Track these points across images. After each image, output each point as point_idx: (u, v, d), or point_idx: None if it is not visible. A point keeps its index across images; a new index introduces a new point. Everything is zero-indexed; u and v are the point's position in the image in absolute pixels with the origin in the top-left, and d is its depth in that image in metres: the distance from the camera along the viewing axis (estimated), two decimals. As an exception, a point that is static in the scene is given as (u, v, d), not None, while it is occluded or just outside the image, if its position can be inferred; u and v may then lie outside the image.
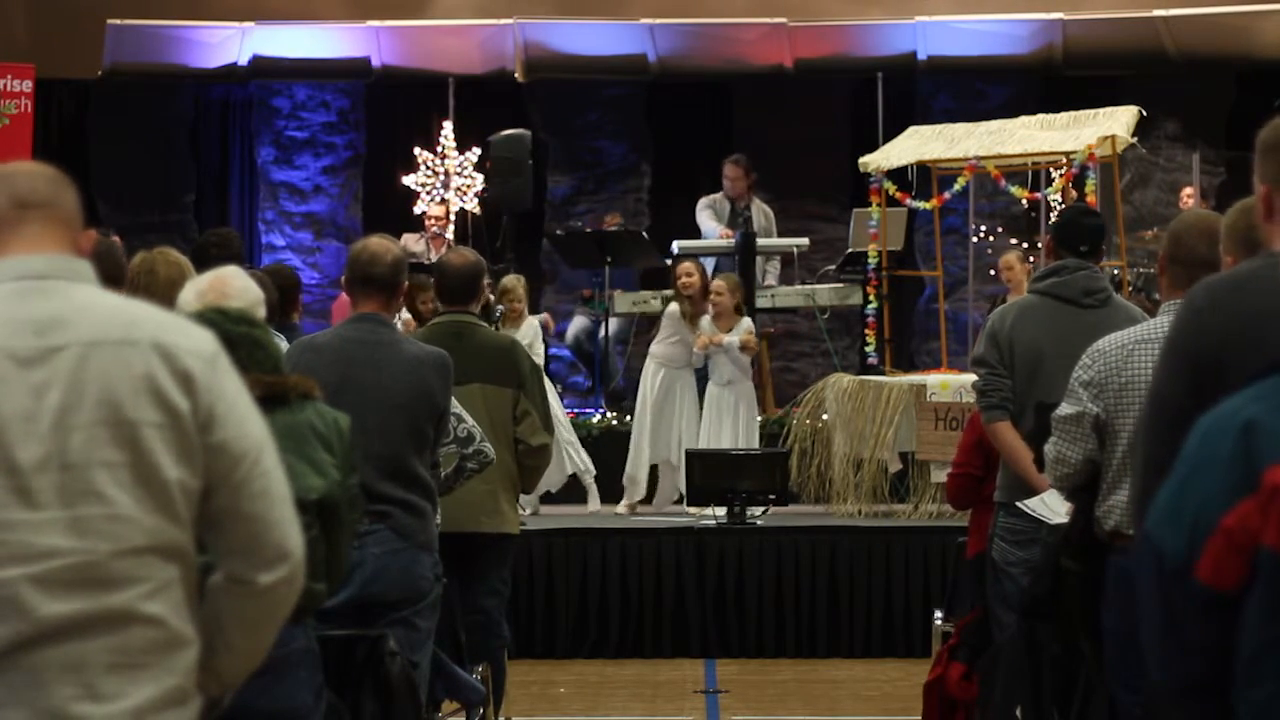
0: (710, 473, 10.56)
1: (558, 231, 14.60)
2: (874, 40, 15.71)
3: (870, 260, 12.30)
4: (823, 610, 10.16)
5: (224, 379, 2.79)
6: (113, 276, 4.50)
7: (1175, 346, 3.20)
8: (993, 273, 14.30)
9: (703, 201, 13.27)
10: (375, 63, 15.73)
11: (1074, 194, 11.45)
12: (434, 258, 12.33)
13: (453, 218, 14.51)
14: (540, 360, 11.06)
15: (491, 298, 10.44)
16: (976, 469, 6.43)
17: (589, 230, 13.93)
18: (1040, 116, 12.12)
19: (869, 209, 12.37)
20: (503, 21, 15.67)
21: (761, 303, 12.45)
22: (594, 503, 11.25)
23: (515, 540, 7.02)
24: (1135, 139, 12.07)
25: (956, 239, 14.88)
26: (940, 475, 10.39)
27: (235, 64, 15.71)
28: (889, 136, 13.35)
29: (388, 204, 15.51)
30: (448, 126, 15.02)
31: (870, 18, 15.78)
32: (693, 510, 10.81)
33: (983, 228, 14.64)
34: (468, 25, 15.83)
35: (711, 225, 13.04)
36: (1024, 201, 13.80)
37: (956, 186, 12.16)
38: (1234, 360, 2.90)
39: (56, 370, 2.69)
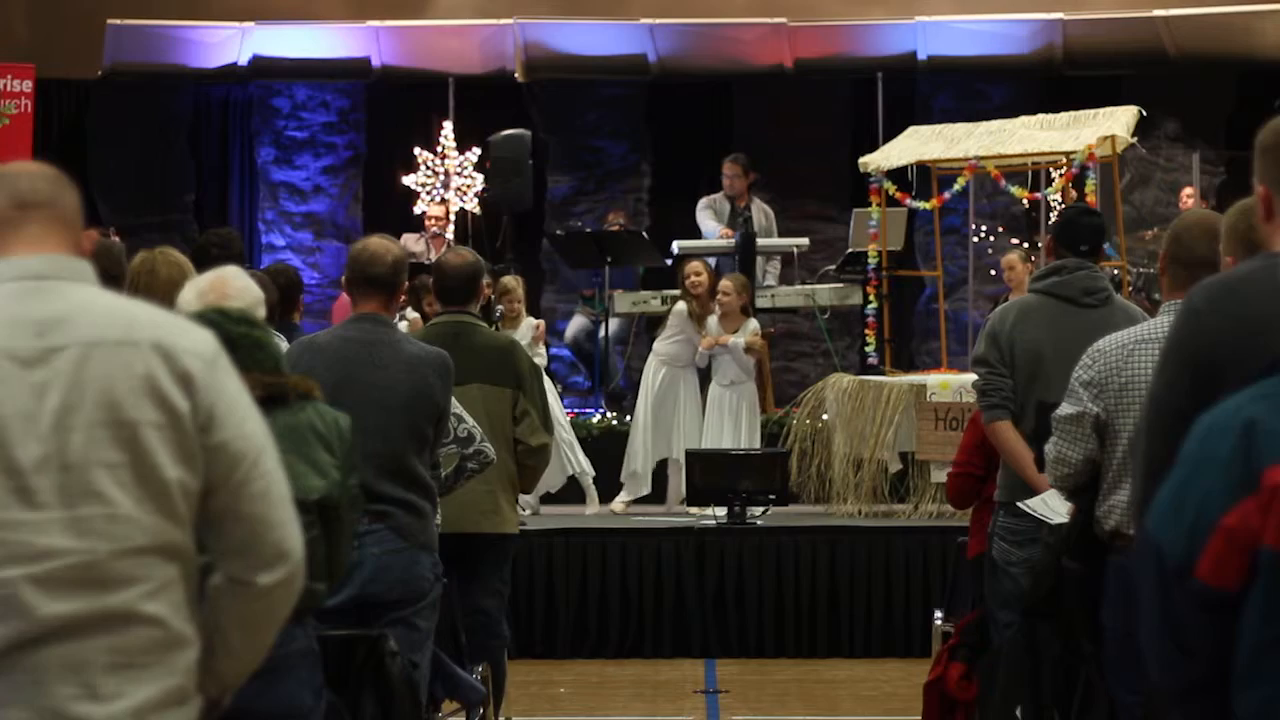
0: (710, 473, 10.56)
1: (558, 231, 14.59)
2: (874, 40, 15.71)
3: (870, 260, 12.30)
4: (823, 610, 10.16)
5: (224, 379, 2.79)
6: (112, 276, 4.50)
7: (1175, 347, 3.20)
8: (993, 273, 14.30)
9: (703, 201, 13.27)
10: (375, 63, 15.73)
11: (1074, 194, 11.46)
12: (434, 258, 12.32)
13: (453, 218, 14.51)
14: (543, 360, 11.08)
15: (492, 296, 10.45)
16: (977, 469, 6.43)
17: (589, 230, 13.93)
18: (1040, 116, 12.12)
19: (869, 209, 12.38)
20: (503, 21, 15.67)
21: (761, 303, 12.44)
22: (592, 505, 11.25)
23: (515, 540, 7.02)
24: (1135, 139, 12.07)
25: (956, 239, 14.88)
26: (940, 475, 10.39)
27: (235, 64, 15.71)
28: (889, 136, 13.36)
29: (388, 204, 15.51)
30: (448, 126, 15.02)
31: (870, 18, 15.78)
32: (693, 510, 10.81)
33: (983, 228, 14.63)
34: (468, 25, 15.83)
35: (711, 225, 13.04)
36: (1024, 201, 13.80)
37: (956, 186, 12.16)
38: (1233, 361, 2.90)
39: (57, 370, 2.69)
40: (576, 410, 12.58)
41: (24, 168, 2.86)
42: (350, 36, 15.74)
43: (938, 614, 7.63)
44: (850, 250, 13.01)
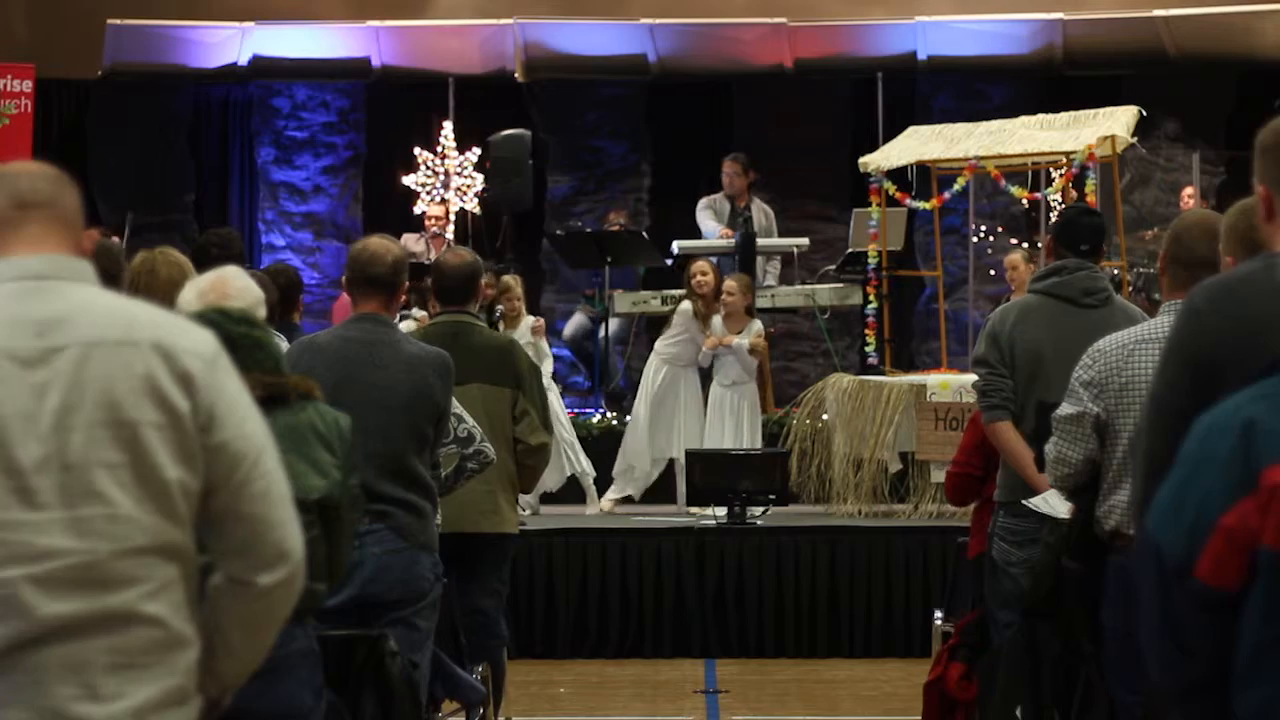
0: (710, 473, 10.56)
1: (558, 231, 14.60)
2: (874, 40, 15.71)
3: (870, 260, 12.30)
4: (823, 610, 10.16)
5: (224, 379, 2.79)
6: (112, 276, 4.50)
7: (1175, 348, 3.20)
8: (993, 273, 14.30)
9: (703, 202, 13.28)
10: (375, 63, 15.73)
11: (1074, 194, 11.45)
12: (434, 258, 12.33)
13: (453, 218, 14.51)
14: (548, 358, 11.09)
15: (494, 294, 10.44)
16: (976, 469, 6.43)
17: (589, 230, 13.93)
18: (1040, 116, 12.12)
19: (869, 209, 12.38)
20: (503, 21, 15.67)
21: (761, 303, 12.44)
22: (593, 505, 11.26)
23: (514, 540, 7.02)
24: (1135, 139, 12.07)
25: (956, 239, 14.88)
26: (940, 475, 10.39)
27: (235, 64, 15.71)
28: (889, 136, 13.36)
29: (388, 204, 15.51)
30: (448, 126, 15.02)
31: (870, 18, 15.78)
32: (693, 510, 10.82)
33: (983, 228, 14.63)
34: (468, 25, 15.83)
35: (712, 225, 13.05)
36: (1024, 201, 13.80)
37: (956, 186, 12.16)
38: (1233, 361, 2.90)
39: (57, 370, 2.69)
40: (576, 410, 12.58)
41: (24, 167, 2.86)
42: (350, 36, 15.75)
43: (938, 614, 7.63)
44: (850, 250, 13.01)
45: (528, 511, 10.54)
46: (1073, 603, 4.88)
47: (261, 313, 4.44)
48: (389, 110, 16.06)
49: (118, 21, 15.41)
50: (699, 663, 9.95)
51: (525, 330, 10.78)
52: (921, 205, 12.36)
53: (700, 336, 11.13)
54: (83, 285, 2.78)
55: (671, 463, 11.32)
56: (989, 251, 14.54)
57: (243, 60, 15.67)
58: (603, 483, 11.31)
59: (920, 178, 12.39)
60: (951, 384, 10.84)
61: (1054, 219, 9.84)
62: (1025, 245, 13.07)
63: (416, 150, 14.85)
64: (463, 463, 6.14)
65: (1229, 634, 2.38)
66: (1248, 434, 2.40)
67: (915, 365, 13.93)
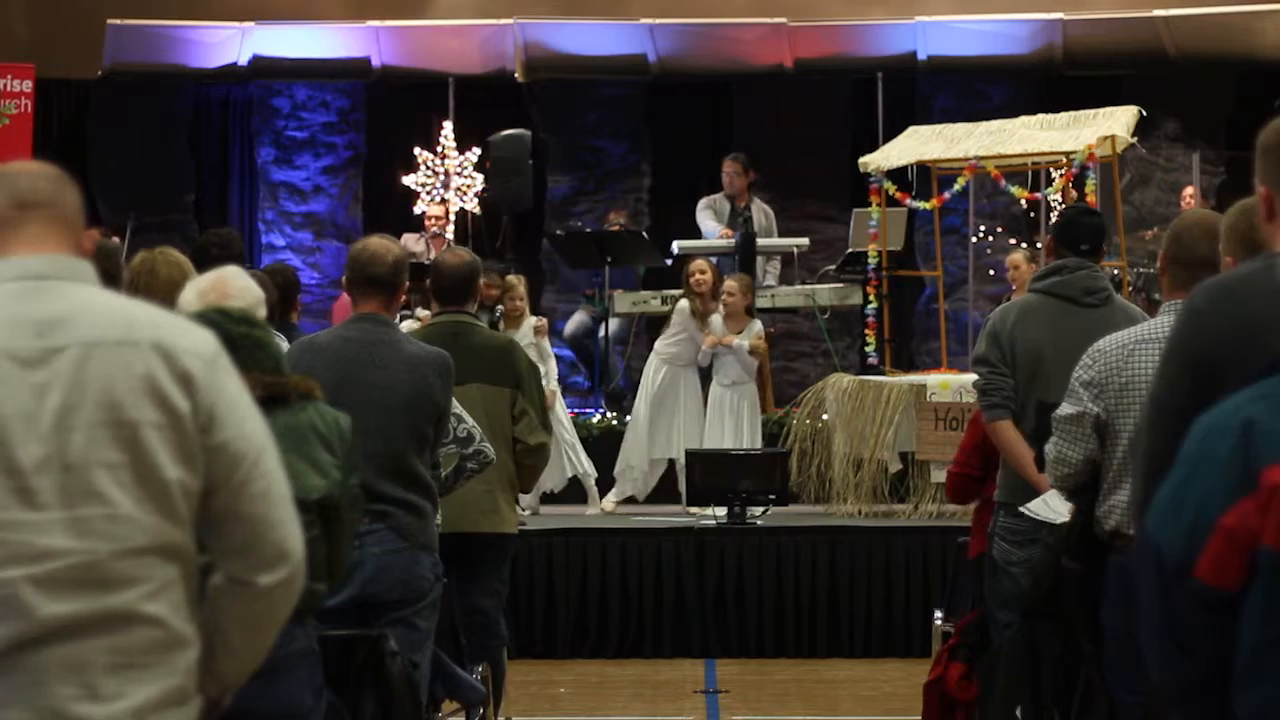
0: (710, 473, 10.56)
1: (558, 231, 14.59)
2: (874, 40, 15.71)
3: (870, 260, 12.30)
4: (823, 610, 10.16)
5: (224, 379, 2.79)
6: (111, 276, 4.50)
7: (1175, 348, 3.20)
8: (993, 273, 14.30)
9: (703, 202, 13.28)
10: (375, 63, 15.73)
11: (1074, 194, 11.45)
12: (433, 258, 12.32)
13: (453, 218, 14.51)
14: (551, 359, 11.09)
15: (498, 294, 10.43)
16: (975, 469, 6.43)
17: (589, 230, 13.93)
18: (1040, 116, 12.12)
19: (869, 209, 12.37)
20: (503, 21, 15.67)
21: (761, 303, 12.45)
22: (594, 505, 11.26)
23: (514, 540, 7.02)
24: (1135, 139, 12.07)
25: (956, 239, 14.88)
26: (940, 475, 10.40)
27: (235, 64, 15.71)
28: (889, 136, 13.36)
29: (388, 204, 15.51)
30: (448, 126, 15.02)
31: (870, 18, 15.77)
32: (693, 510, 10.81)
33: (983, 228, 14.63)
34: (468, 25, 15.83)
35: (712, 225, 13.05)
36: (1024, 201, 13.80)
37: (956, 186, 12.16)
38: (1234, 361, 2.90)
39: (57, 371, 2.69)
40: (576, 410, 12.58)
41: (25, 167, 2.86)
42: (350, 36, 15.74)
43: (938, 614, 7.63)
44: (850, 250, 13.00)
45: (527, 512, 10.54)
46: (1073, 603, 4.88)
47: (262, 313, 4.44)
48: (389, 110, 16.06)
49: (118, 21, 15.41)
50: (699, 663, 9.95)
51: (528, 330, 10.78)
52: (921, 205, 12.36)
53: (699, 335, 11.13)
54: (83, 285, 2.78)
55: (671, 463, 11.32)
56: (989, 251, 14.54)
57: (243, 60, 15.67)
58: (602, 483, 11.31)
59: (920, 178, 12.39)
60: (951, 384, 10.84)
61: (1054, 219, 9.83)
62: (1026, 245, 13.07)
63: (416, 150, 14.84)
64: (462, 463, 6.14)
65: (1229, 634, 2.38)
66: (1247, 434, 2.40)
67: (915, 365, 13.93)
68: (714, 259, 12.30)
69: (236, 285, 4.39)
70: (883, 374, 11.63)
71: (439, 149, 14.86)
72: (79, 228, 2.84)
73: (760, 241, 12.73)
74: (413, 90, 15.93)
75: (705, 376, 11.35)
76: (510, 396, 6.71)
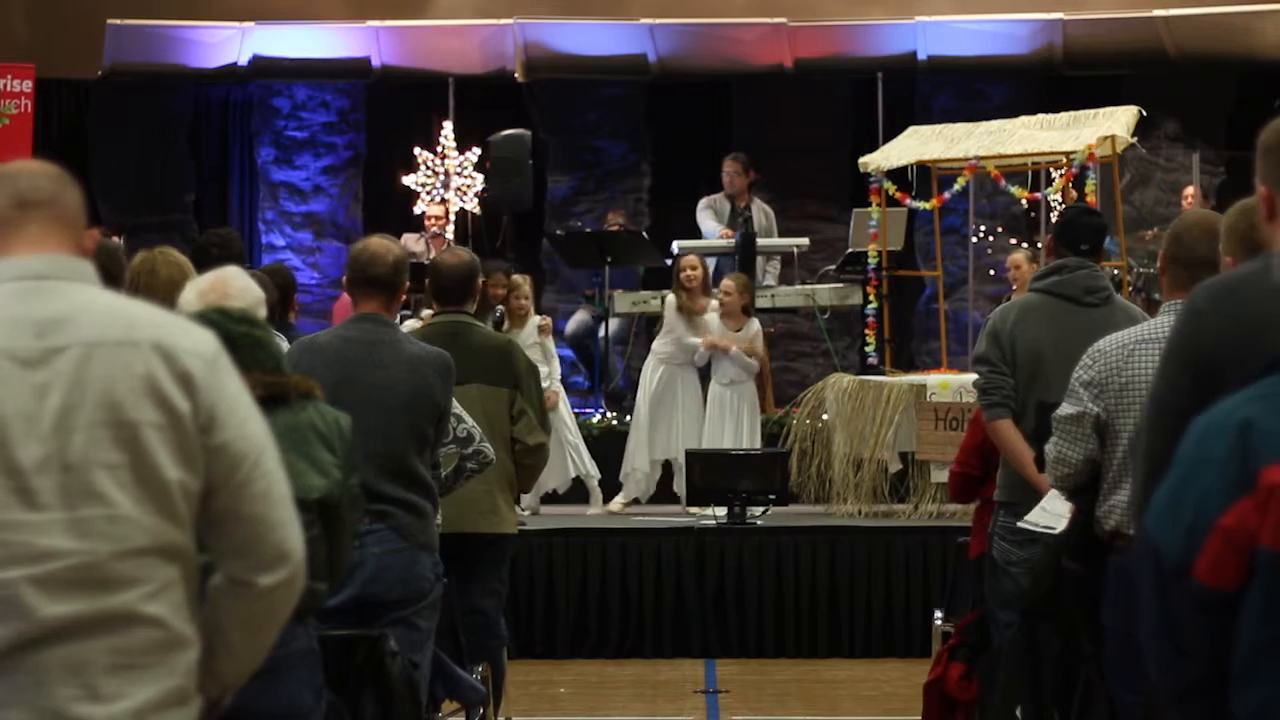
0: (710, 473, 10.56)
1: (558, 231, 14.59)
2: (874, 40, 15.71)
3: (870, 260, 12.30)
4: (823, 610, 10.16)
5: (225, 380, 2.79)
6: (113, 276, 4.50)
7: (1176, 348, 3.20)
8: (993, 273, 14.30)
9: (703, 202, 13.27)
10: (375, 63, 15.73)
11: (1074, 194, 11.45)
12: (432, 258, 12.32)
13: (453, 218, 14.51)
14: (555, 358, 11.09)
15: (503, 293, 10.42)
16: (974, 470, 6.43)
17: (589, 230, 13.92)
18: (1040, 116, 12.12)
19: (869, 209, 12.38)
20: (503, 21, 15.67)
21: (761, 303, 12.45)
22: (596, 505, 11.25)
23: (513, 540, 7.02)
24: (1135, 139, 12.07)
25: (956, 239, 14.88)
26: (940, 475, 10.41)
27: (235, 64, 15.70)
28: (889, 136, 13.35)
29: (388, 204, 15.51)
30: (448, 126, 15.01)
31: (870, 18, 15.77)
32: (693, 510, 10.81)
33: (983, 228, 14.63)
34: (468, 25, 15.83)
35: (712, 225, 13.04)
36: (1024, 201, 13.80)
37: (956, 186, 12.16)
38: (1234, 361, 2.91)
39: (57, 371, 2.69)
40: (577, 410, 12.57)
41: (26, 166, 2.86)
42: (350, 36, 15.74)
43: (938, 614, 7.63)
44: (850, 250, 13.00)
45: (528, 512, 10.54)
46: (1073, 603, 4.88)
47: (262, 312, 4.44)
48: (389, 110, 16.06)
49: (118, 21, 15.41)
50: (699, 663, 9.95)
51: (533, 330, 10.77)
52: (921, 205, 12.36)
53: (686, 333, 11.11)
54: (83, 285, 2.78)
55: (670, 463, 11.31)
56: (989, 251, 14.54)
57: (243, 60, 15.67)
58: (604, 483, 11.30)
59: (920, 178, 12.39)
60: (951, 384, 10.84)
61: (1054, 219, 9.84)
62: (1027, 245, 13.07)
63: (416, 150, 14.84)
64: (462, 463, 6.14)
65: (1227, 634, 2.38)
66: (1245, 434, 2.40)
67: (915, 365, 13.93)
68: (713, 259, 12.32)
69: (237, 285, 4.39)
70: (883, 374, 11.63)
71: (439, 149, 14.85)
72: (80, 227, 2.84)
73: (760, 241, 12.73)
74: (413, 90, 15.93)
75: (705, 376, 11.35)
76: (509, 396, 6.71)
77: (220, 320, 4.04)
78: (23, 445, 2.66)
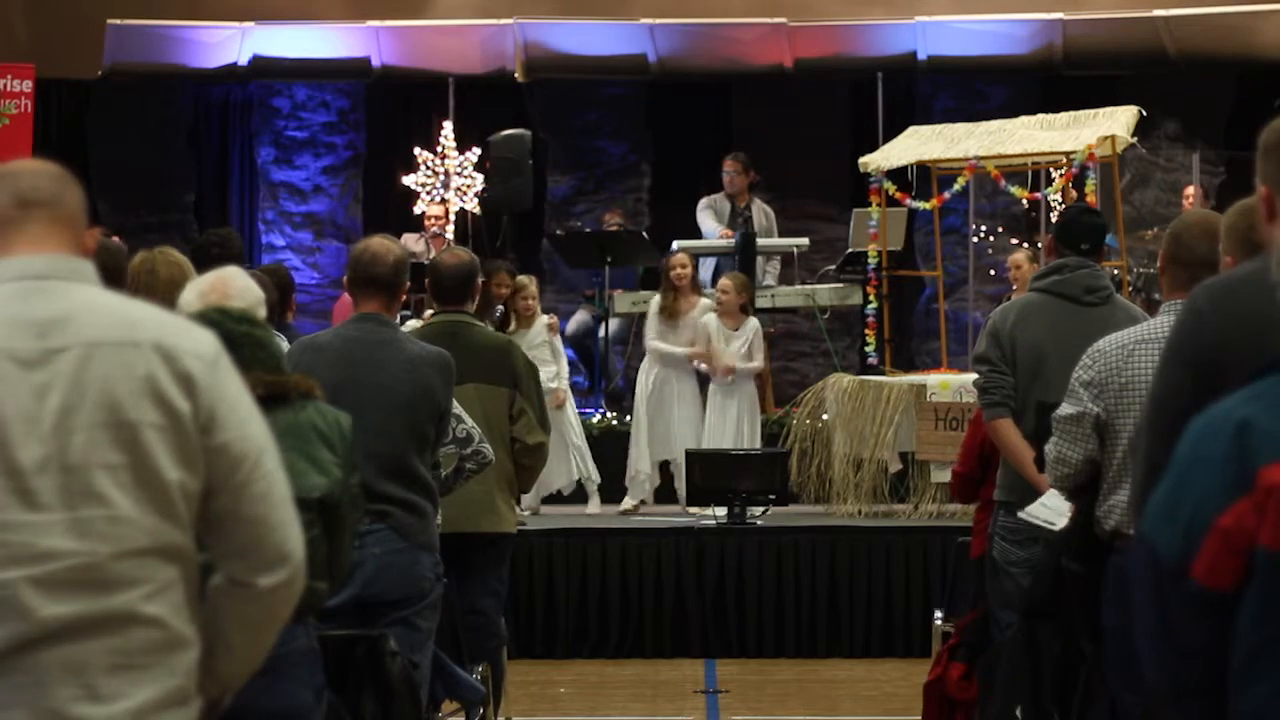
0: (710, 473, 10.56)
1: (558, 231, 14.59)
2: (874, 40, 15.71)
3: (870, 260, 12.30)
4: (823, 610, 10.17)
5: (225, 380, 2.79)
6: (114, 276, 4.50)
7: (1176, 348, 3.20)
8: (993, 273, 14.30)
9: (703, 202, 13.27)
10: (375, 63, 15.73)
11: (1074, 194, 11.45)
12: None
13: (453, 218, 14.50)
14: (562, 357, 11.09)
15: (508, 293, 10.42)
16: (973, 471, 6.44)
17: (589, 230, 13.92)
18: (1040, 116, 12.12)
19: (869, 209, 12.38)
20: (503, 21, 15.67)
21: (761, 303, 12.45)
22: (594, 507, 11.24)
23: (512, 540, 7.02)
24: (1135, 139, 12.07)
25: (956, 239, 14.88)
26: (940, 475, 10.41)
27: (235, 64, 15.70)
28: (889, 136, 13.35)
29: (388, 204, 15.51)
30: (448, 126, 15.01)
31: (870, 18, 15.77)
32: (693, 510, 10.81)
33: (983, 228, 14.63)
34: (468, 25, 15.83)
35: (712, 225, 13.04)
36: (1024, 201, 13.80)
37: (956, 186, 12.16)
38: (1233, 362, 2.91)
39: (58, 371, 2.69)
40: (578, 410, 12.57)
41: (27, 166, 2.86)
42: (350, 36, 15.74)
43: (938, 614, 7.63)
44: (850, 250, 13.00)
45: (528, 512, 10.54)
46: (1073, 603, 4.88)
47: (262, 312, 4.44)
48: (389, 110, 16.07)
49: (118, 21, 15.41)
50: (699, 663, 9.96)
51: (540, 329, 10.76)
52: (921, 205, 12.36)
53: (664, 333, 11.11)
54: (84, 285, 2.78)
55: (671, 463, 11.31)
56: (989, 251, 14.54)
57: (242, 60, 15.67)
58: (604, 483, 11.29)
59: (920, 178, 12.39)
60: (951, 384, 10.84)
61: (1054, 219, 9.84)
62: (1028, 245, 13.07)
63: (416, 150, 14.84)
64: (461, 463, 6.15)
65: (1225, 635, 2.38)
66: (1243, 434, 2.40)
67: (915, 365, 13.93)
68: (708, 260, 12.31)
69: (237, 285, 4.39)
70: (883, 374, 11.63)
71: (439, 149, 14.85)
72: (81, 227, 2.84)
73: (760, 241, 12.72)
74: (413, 90, 15.94)
75: (704, 376, 11.34)
76: (508, 396, 6.72)
77: (221, 320, 4.04)
78: (23, 446, 2.66)
